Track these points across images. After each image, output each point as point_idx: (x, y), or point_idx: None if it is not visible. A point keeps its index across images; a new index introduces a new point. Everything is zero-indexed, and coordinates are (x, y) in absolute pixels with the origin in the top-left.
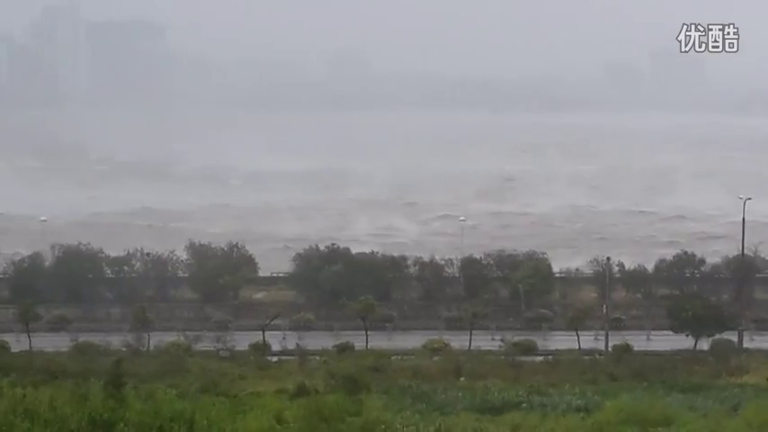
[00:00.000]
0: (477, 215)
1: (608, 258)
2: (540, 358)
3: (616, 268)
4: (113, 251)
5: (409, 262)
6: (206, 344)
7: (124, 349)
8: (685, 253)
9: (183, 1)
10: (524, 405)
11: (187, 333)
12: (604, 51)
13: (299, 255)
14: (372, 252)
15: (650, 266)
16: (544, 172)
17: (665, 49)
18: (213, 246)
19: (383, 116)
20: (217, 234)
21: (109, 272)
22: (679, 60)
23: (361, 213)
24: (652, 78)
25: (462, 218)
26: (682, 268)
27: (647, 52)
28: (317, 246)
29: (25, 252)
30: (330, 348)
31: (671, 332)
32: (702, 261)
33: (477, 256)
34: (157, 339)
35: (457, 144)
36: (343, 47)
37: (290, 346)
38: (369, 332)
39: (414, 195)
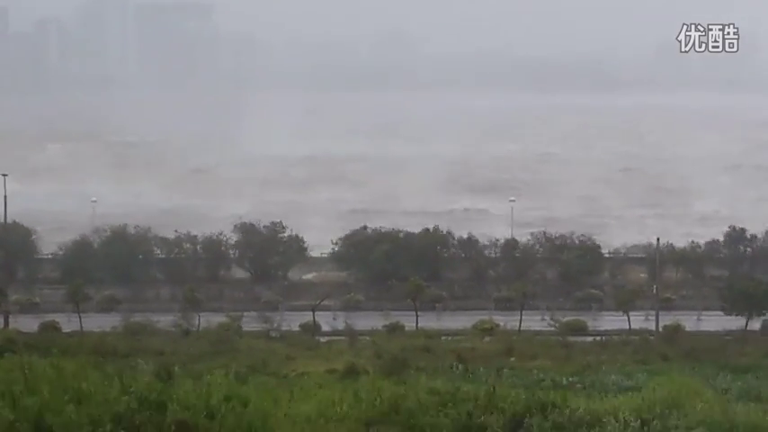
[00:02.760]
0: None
1: (657, 238)
2: (590, 338)
3: (666, 249)
4: (163, 233)
5: (457, 241)
6: (256, 324)
7: (173, 329)
8: (734, 229)
9: None
10: (578, 385)
11: (237, 313)
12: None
13: (347, 236)
14: (426, 229)
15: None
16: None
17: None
18: (260, 225)
19: (434, 96)
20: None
21: (158, 252)
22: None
23: (411, 193)
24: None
25: (512, 198)
26: (733, 245)
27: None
28: (365, 226)
29: (76, 233)
30: (380, 329)
31: (722, 312)
32: (754, 237)
33: (526, 238)
34: (207, 320)
35: (506, 125)
36: (393, 28)
37: (340, 326)
38: (418, 312)
39: (464, 176)
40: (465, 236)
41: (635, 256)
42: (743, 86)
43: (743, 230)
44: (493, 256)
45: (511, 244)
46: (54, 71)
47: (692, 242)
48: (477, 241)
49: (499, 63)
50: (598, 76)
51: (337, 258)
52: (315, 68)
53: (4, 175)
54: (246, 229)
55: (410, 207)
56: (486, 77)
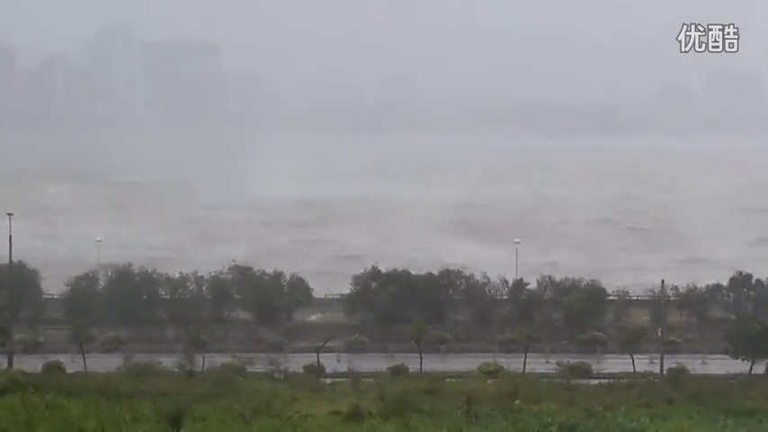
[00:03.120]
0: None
1: (662, 281)
2: (595, 381)
3: (670, 292)
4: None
5: (462, 281)
6: (260, 365)
7: (177, 370)
8: (740, 274)
9: (237, 23)
10: (581, 428)
11: (241, 354)
12: (661, 74)
13: (355, 277)
14: (429, 273)
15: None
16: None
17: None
18: (258, 269)
19: (437, 137)
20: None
21: (163, 293)
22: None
23: (414, 234)
24: (708, 101)
25: (517, 240)
26: (737, 289)
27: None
28: (373, 267)
29: (79, 273)
30: (384, 370)
31: (726, 355)
32: (760, 282)
33: (529, 281)
34: (211, 360)
35: (507, 166)
36: (398, 70)
37: (344, 368)
38: (423, 354)
39: (468, 217)
40: (470, 278)
41: (639, 298)
42: (743, 129)
43: (749, 275)
44: (498, 298)
45: (518, 286)
46: (59, 109)
47: (694, 286)
48: (484, 283)
49: (501, 105)
50: (601, 119)
51: (342, 300)
52: (318, 109)
53: (10, 215)
54: (243, 272)
55: (411, 249)
56: (489, 119)
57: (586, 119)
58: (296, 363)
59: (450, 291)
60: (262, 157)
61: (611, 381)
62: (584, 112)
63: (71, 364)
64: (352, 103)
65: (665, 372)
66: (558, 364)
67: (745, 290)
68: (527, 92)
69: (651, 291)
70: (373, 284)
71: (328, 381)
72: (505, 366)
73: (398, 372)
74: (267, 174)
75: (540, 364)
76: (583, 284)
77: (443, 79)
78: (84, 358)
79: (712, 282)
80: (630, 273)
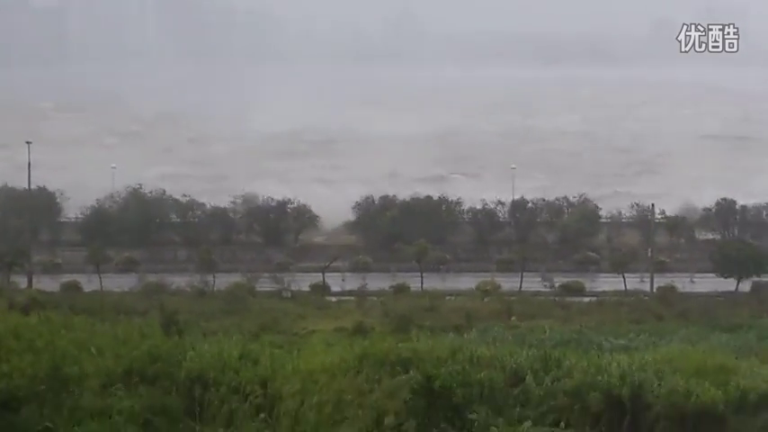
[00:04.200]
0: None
1: (652, 204)
2: (587, 299)
3: (659, 214)
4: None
5: (463, 207)
6: (268, 285)
7: (189, 289)
8: (724, 200)
9: None
10: (572, 344)
11: (250, 274)
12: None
13: (357, 203)
14: (428, 197)
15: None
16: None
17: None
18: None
19: (436, 72)
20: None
21: (174, 217)
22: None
23: (416, 162)
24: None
25: (513, 166)
26: (724, 213)
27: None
28: (372, 197)
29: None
30: (387, 289)
31: (714, 274)
32: (744, 207)
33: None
34: (222, 280)
35: (504, 98)
36: (401, 8)
37: (349, 287)
38: (423, 274)
39: (465, 149)
40: (469, 202)
41: (630, 220)
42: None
43: (733, 201)
44: (496, 219)
45: (516, 206)
46: (74, 45)
47: (685, 210)
48: (481, 209)
49: (497, 40)
50: (595, 51)
51: (348, 224)
52: (324, 45)
53: (29, 143)
54: (251, 199)
55: (407, 176)
56: (485, 53)
57: (579, 50)
58: (303, 282)
59: (449, 215)
60: (265, 90)
61: (600, 298)
62: (577, 43)
63: (88, 283)
64: (355, 39)
65: (654, 290)
66: (549, 282)
67: (730, 215)
68: (523, 26)
69: (641, 210)
70: (372, 210)
71: (334, 299)
72: (502, 285)
73: (401, 290)
74: (269, 106)
75: (536, 283)
76: (576, 205)
77: (441, 17)
78: (100, 278)
79: (703, 205)
80: (625, 197)
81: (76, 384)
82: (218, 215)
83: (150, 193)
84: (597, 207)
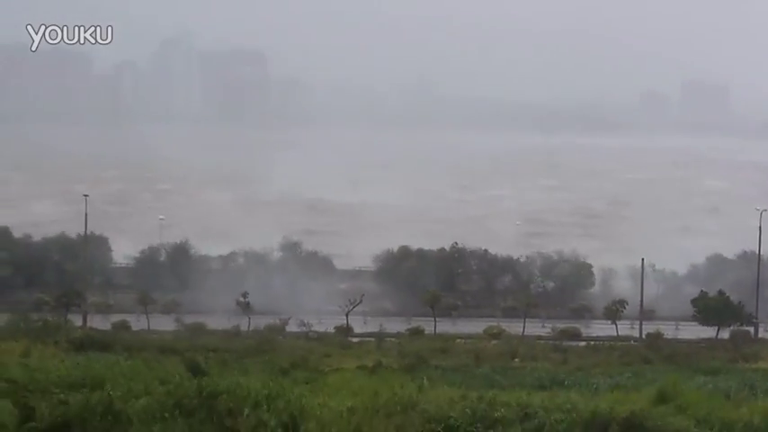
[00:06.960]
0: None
1: (642, 259)
2: (583, 343)
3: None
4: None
5: (471, 259)
6: (297, 326)
7: (227, 330)
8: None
9: (282, 31)
10: (567, 383)
11: (281, 317)
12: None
13: (377, 255)
14: (441, 249)
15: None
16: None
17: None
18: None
19: (445, 136)
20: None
21: (215, 266)
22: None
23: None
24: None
25: (518, 223)
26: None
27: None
28: (390, 249)
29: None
30: (403, 332)
31: (696, 323)
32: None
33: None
34: (256, 322)
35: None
36: (416, 75)
37: (370, 329)
38: (436, 319)
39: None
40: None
41: (620, 273)
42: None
43: (720, 256)
44: (499, 269)
45: (515, 262)
46: (127, 108)
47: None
48: (492, 257)
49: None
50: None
51: (369, 272)
52: (348, 109)
53: (86, 196)
54: (289, 248)
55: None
56: (490, 120)
57: (574, 119)
58: (329, 324)
59: (459, 265)
60: (300, 151)
61: (594, 343)
62: (572, 114)
63: (136, 323)
64: (375, 104)
65: (643, 336)
66: (547, 326)
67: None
68: (527, 96)
69: (631, 268)
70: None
71: (356, 340)
72: (507, 329)
73: (416, 333)
74: (300, 167)
75: (537, 328)
76: (570, 261)
77: (454, 84)
78: (147, 318)
79: (690, 261)
80: (617, 253)
81: (126, 415)
82: (257, 262)
83: (192, 245)
84: (588, 264)
